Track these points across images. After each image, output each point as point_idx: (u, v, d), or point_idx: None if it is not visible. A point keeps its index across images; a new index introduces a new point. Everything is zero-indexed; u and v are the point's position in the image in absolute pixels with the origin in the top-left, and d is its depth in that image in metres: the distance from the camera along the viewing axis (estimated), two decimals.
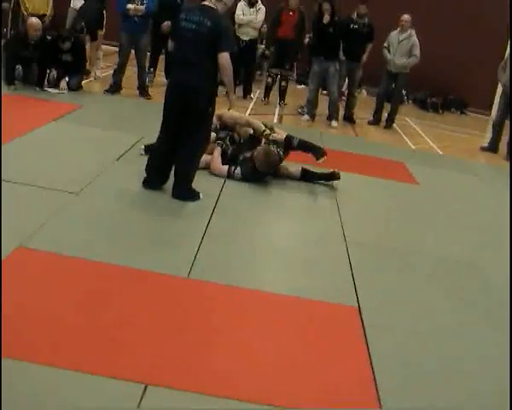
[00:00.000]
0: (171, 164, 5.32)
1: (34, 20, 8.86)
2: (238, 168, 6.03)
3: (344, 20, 9.66)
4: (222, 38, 4.98)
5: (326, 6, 9.26)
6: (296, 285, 4.21)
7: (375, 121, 10.57)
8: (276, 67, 10.41)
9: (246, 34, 10.43)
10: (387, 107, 10.56)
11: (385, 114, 10.57)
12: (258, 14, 10.38)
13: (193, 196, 5.33)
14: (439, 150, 9.67)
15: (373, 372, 3.33)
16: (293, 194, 6.09)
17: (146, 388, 2.89)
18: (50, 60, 8.96)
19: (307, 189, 6.29)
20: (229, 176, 6.01)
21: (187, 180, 5.32)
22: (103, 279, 3.86)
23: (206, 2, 5.10)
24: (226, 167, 6.03)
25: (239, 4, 10.51)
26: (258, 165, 5.98)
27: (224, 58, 5.01)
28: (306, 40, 10.57)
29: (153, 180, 5.39)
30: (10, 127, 6.58)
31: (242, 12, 10.37)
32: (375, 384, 3.23)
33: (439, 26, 13.07)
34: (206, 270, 4.16)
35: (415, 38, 9.86)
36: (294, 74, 12.27)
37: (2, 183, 5.00)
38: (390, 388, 3.22)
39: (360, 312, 3.96)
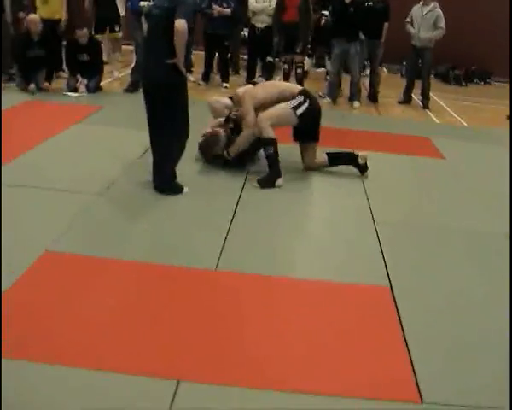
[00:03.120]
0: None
1: (32, 15, 9.05)
2: None
3: None
4: (177, 9, 4.74)
5: None
6: (327, 269, 4.15)
7: (406, 100, 10.38)
8: (286, 52, 10.29)
9: (261, 22, 10.30)
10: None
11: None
12: (272, 1, 10.27)
13: (173, 188, 5.22)
14: (464, 122, 9.51)
15: (409, 354, 3.26)
16: (317, 176, 6.03)
17: (178, 384, 2.86)
18: (59, 58, 9.28)
19: (332, 170, 6.21)
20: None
21: (162, 172, 5.21)
22: (132, 278, 3.85)
23: None
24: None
25: None
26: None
27: (180, 24, 4.69)
28: (322, 22, 10.44)
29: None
30: (32, 134, 6.65)
31: (256, 0, 10.28)
32: (412, 366, 3.16)
33: None
34: (234, 261, 4.12)
35: (439, 10, 9.66)
36: (313, 58, 12.09)
37: (28, 189, 5.03)
38: (427, 369, 3.15)
39: (392, 292, 3.89)
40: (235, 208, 5.04)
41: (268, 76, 10.05)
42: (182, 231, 4.58)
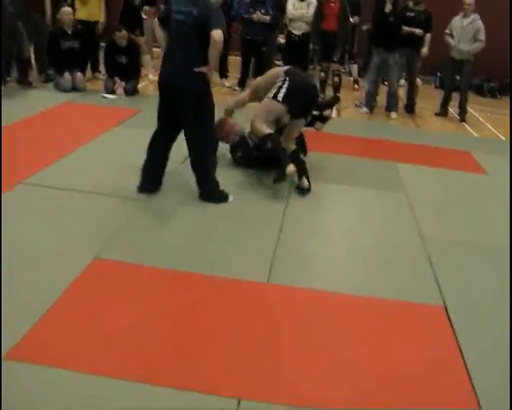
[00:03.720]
0: (162, 166, 5.23)
1: (65, 7, 9.23)
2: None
3: (401, 8, 9.41)
4: (211, 18, 4.64)
5: None
6: (377, 286, 4.07)
7: (443, 112, 10.25)
8: (324, 60, 10.25)
9: (298, 29, 10.24)
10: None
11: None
12: (310, 8, 10.19)
13: (218, 196, 5.21)
14: (501, 136, 9.37)
15: (468, 374, 3.20)
16: (359, 189, 5.95)
17: (239, 403, 2.82)
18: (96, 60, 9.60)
19: (375, 182, 6.15)
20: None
21: (205, 180, 5.18)
22: (181, 288, 3.80)
23: None
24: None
25: None
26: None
27: (218, 34, 4.58)
28: (364, 27, 10.36)
29: (144, 184, 5.23)
30: (73, 136, 6.65)
31: (293, 6, 10.22)
32: (473, 387, 3.10)
33: (489, 8, 12.66)
34: (284, 274, 4.07)
35: (479, 23, 9.51)
36: (353, 67, 12.00)
37: (75, 193, 5.02)
38: (489, 390, 3.08)
39: (447, 311, 3.81)
40: (283, 217, 5.00)
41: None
42: (230, 240, 4.54)
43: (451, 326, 3.65)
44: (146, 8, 10.44)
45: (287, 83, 5.62)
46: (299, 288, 3.91)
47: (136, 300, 3.61)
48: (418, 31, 9.52)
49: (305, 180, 5.64)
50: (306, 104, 5.78)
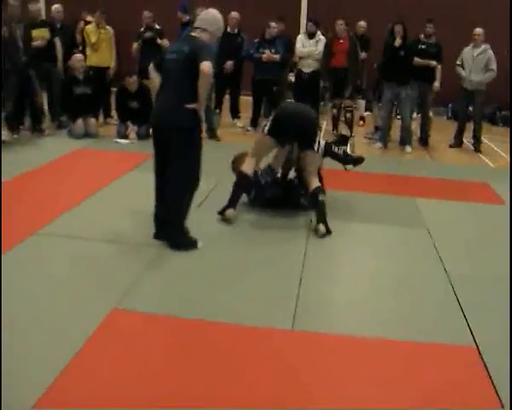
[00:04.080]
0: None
1: (76, 54, 9.37)
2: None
3: (412, 41, 9.39)
4: (201, 53, 4.62)
5: (398, 28, 9.03)
6: (405, 328, 3.93)
7: (458, 144, 10.16)
8: (336, 97, 10.23)
9: (307, 66, 10.27)
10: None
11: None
12: (318, 45, 10.22)
13: (186, 244, 4.94)
14: None
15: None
16: (380, 227, 5.83)
17: None
18: (108, 105, 9.73)
19: (395, 219, 6.04)
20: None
21: (177, 227, 4.94)
22: (204, 338, 3.67)
23: (191, 33, 4.97)
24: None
25: (298, 37, 10.47)
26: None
27: (206, 65, 4.53)
28: (375, 65, 10.36)
29: (157, 231, 5.08)
30: (87, 182, 6.61)
31: (302, 44, 10.26)
32: None
33: (499, 37, 12.63)
34: (309, 319, 3.95)
35: (490, 52, 9.49)
36: (361, 103, 11.98)
37: (91, 242, 4.96)
38: None
39: (479, 352, 3.67)
40: (303, 258, 4.89)
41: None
42: (252, 286, 4.41)
43: (486, 368, 3.50)
44: (159, 40, 10.45)
45: (273, 114, 5.81)
46: (323, 334, 3.78)
47: (156, 351, 3.50)
48: (433, 63, 9.50)
49: (321, 226, 5.45)
50: (298, 129, 5.74)
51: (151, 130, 5.06)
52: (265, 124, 5.83)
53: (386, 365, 3.52)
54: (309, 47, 10.23)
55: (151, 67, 5.03)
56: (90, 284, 4.25)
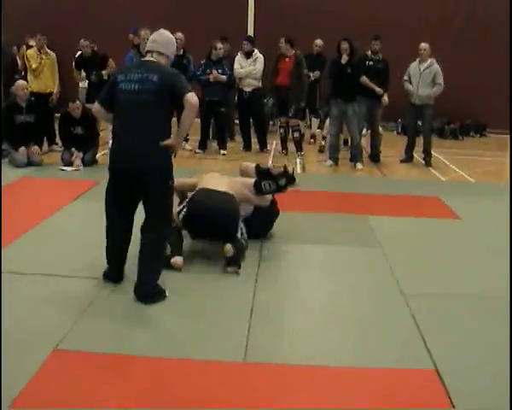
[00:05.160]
0: (122, 256, 4.62)
1: (19, 81, 9.05)
2: None
3: (359, 58, 9.38)
4: (178, 83, 4.22)
5: (344, 45, 9.03)
6: (361, 353, 3.80)
7: (408, 159, 10.17)
8: (281, 115, 10.15)
9: (248, 85, 10.26)
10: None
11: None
12: (257, 64, 10.19)
13: (159, 296, 4.39)
14: (468, 177, 9.29)
15: None
16: (333, 247, 5.70)
17: None
18: (52, 131, 9.46)
19: (348, 239, 5.92)
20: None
21: (150, 279, 4.38)
22: (153, 375, 3.46)
23: (146, 58, 4.47)
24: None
25: (236, 57, 10.38)
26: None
27: (193, 97, 4.11)
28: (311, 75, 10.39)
29: (109, 272, 4.67)
30: (30, 213, 6.38)
31: (240, 65, 10.21)
32: None
33: (446, 52, 12.80)
34: (262, 350, 3.77)
35: (437, 66, 9.54)
36: (314, 121, 11.91)
37: (32, 275, 4.71)
38: None
39: (439, 375, 3.54)
40: (254, 288, 4.70)
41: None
42: (202, 318, 4.21)
43: (447, 393, 3.36)
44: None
45: (186, 205, 5.25)
46: (277, 364, 3.61)
47: (98, 391, 3.26)
48: (378, 89, 9.46)
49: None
50: (213, 225, 5.07)
51: (110, 173, 4.46)
52: (179, 210, 5.25)
53: (342, 393, 3.37)
54: (248, 67, 10.17)
55: (97, 106, 4.52)
56: (30, 323, 3.99)
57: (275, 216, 5.84)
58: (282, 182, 5.62)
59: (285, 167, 5.76)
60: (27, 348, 3.65)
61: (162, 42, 4.44)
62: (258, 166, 5.83)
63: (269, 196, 5.67)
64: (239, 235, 5.17)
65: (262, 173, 5.70)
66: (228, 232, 5.11)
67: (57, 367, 3.51)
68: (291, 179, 5.70)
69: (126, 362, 3.60)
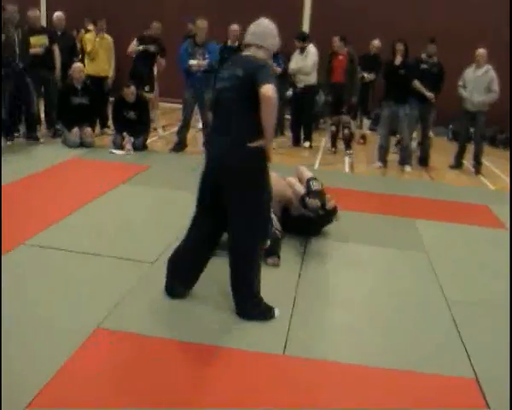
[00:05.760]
0: (199, 264, 4.26)
1: (77, 63, 9.22)
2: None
3: (413, 61, 9.28)
4: (259, 74, 3.68)
5: (399, 46, 8.94)
6: (401, 357, 3.77)
7: (458, 165, 10.02)
8: (334, 113, 10.17)
9: (299, 81, 10.30)
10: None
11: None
12: (307, 59, 10.19)
13: (262, 313, 4.05)
14: None
15: None
16: (378, 249, 5.68)
17: None
18: (105, 115, 9.77)
19: (394, 241, 5.89)
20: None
21: (248, 291, 4.06)
22: (194, 361, 3.51)
23: (244, 53, 4.06)
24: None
25: (293, 54, 10.40)
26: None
27: (269, 89, 3.60)
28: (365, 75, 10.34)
29: (173, 286, 4.27)
30: (80, 193, 6.48)
31: (295, 60, 10.25)
32: None
33: (502, 59, 12.54)
34: (301, 345, 3.78)
35: (492, 73, 9.35)
36: (365, 122, 11.84)
37: (78, 254, 4.80)
38: None
39: (479, 383, 3.51)
40: (297, 283, 4.72)
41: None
42: None
43: (486, 402, 3.34)
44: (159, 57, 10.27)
45: None
46: (316, 360, 3.63)
47: (141, 373, 3.33)
48: (428, 94, 9.34)
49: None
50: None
51: (203, 171, 4.11)
52: None
53: (379, 394, 3.36)
54: (301, 62, 10.20)
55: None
56: (74, 300, 4.09)
57: (329, 222, 5.86)
58: (328, 207, 5.68)
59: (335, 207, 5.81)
60: (71, 326, 3.74)
61: (260, 34, 3.98)
62: (309, 180, 5.74)
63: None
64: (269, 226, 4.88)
65: (310, 189, 5.66)
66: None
67: (98, 346, 3.58)
68: (335, 211, 5.78)
69: (166, 345, 3.65)
